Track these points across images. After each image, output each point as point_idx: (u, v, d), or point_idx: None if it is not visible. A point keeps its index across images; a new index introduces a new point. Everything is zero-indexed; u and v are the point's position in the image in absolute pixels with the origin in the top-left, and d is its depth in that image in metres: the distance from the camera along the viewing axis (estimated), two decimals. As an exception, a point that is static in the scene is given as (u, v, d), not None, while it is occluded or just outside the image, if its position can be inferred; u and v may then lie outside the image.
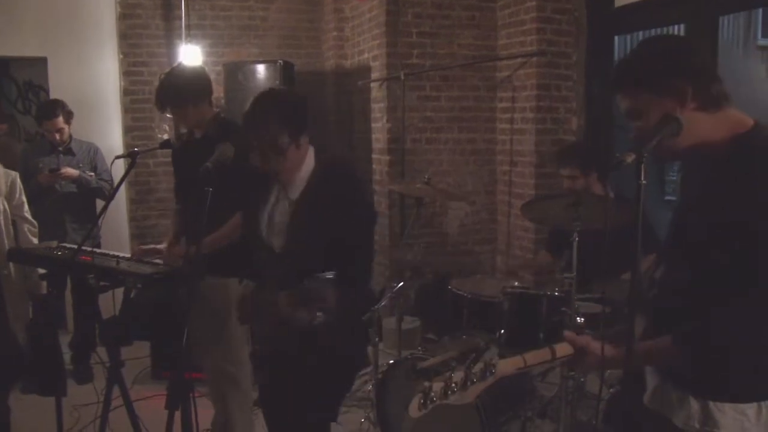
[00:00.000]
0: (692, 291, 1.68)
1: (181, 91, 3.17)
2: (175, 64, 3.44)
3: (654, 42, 1.78)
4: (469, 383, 1.55)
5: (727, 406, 1.66)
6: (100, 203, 4.82)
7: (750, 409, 1.65)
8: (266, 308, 2.50)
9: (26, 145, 6.06)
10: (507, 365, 1.64)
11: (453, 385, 1.52)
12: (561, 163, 3.80)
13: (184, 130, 3.60)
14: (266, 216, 2.60)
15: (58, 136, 4.65)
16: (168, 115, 3.41)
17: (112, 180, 4.77)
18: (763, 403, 1.65)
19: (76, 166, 4.66)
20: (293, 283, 2.40)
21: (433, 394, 1.50)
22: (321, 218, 2.39)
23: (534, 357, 1.72)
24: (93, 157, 4.82)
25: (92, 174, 4.73)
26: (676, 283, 1.77)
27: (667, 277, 1.83)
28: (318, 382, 2.46)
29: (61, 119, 4.63)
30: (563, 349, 1.76)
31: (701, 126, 1.67)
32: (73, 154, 4.75)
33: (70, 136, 4.76)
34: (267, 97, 2.54)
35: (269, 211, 2.60)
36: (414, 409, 1.49)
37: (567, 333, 1.80)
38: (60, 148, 4.70)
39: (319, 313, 2.32)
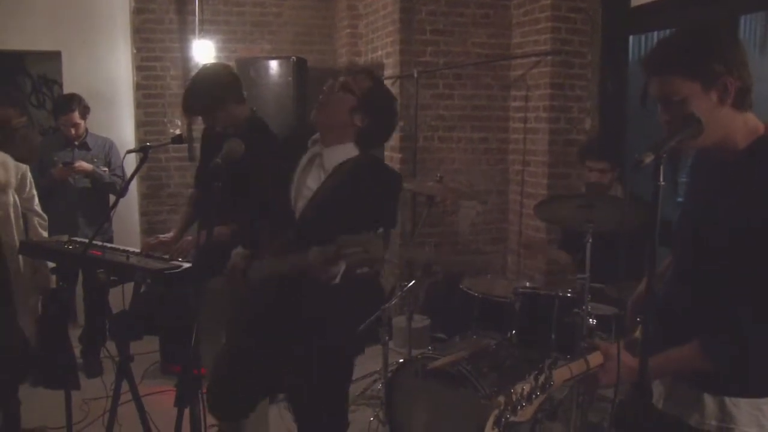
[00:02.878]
0: (714, 294, 1.67)
1: (207, 99, 3.16)
2: (202, 66, 3.38)
3: (708, 33, 1.69)
4: (533, 396, 1.53)
5: (743, 402, 1.67)
6: (113, 199, 4.82)
7: (765, 404, 1.67)
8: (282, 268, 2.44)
9: (42, 138, 6.07)
10: (558, 376, 1.62)
11: (521, 399, 1.50)
12: (591, 155, 3.76)
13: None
14: (297, 175, 2.58)
15: (73, 131, 4.66)
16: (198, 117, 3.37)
17: (125, 175, 4.77)
18: None
19: (90, 161, 4.67)
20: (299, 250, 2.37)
21: (507, 410, 1.47)
22: (345, 198, 2.39)
23: (576, 367, 1.69)
24: (108, 152, 4.83)
25: (106, 169, 4.73)
26: (687, 286, 1.76)
27: (678, 280, 1.81)
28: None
29: (76, 114, 4.64)
30: (595, 359, 1.74)
31: (729, 124, 1.65)
32: (88, 149, 4.76)
33: (86, 131, 4.77)
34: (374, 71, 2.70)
35: (299, 175, 2.57)
36: (489, 428, 1.47)
37: (595, 341, 1.79)
38: (75, 143, 4.72)
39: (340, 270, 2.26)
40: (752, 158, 1.65)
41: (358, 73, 2.50)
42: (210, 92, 3.18)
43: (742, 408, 1.67)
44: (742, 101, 1.64)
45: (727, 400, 1.68)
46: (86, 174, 4.62)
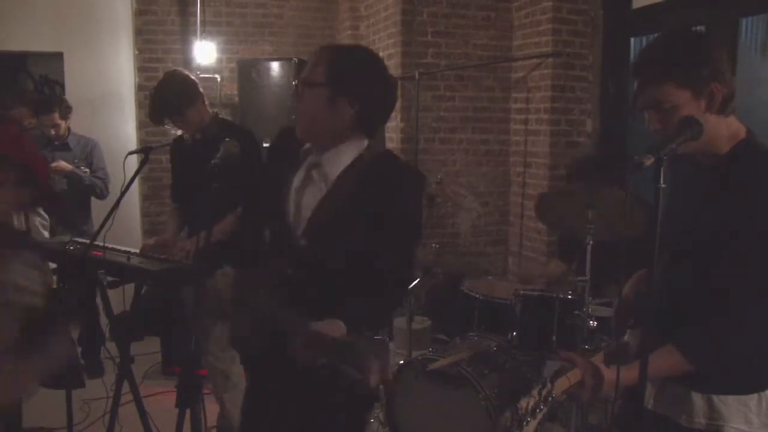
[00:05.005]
0: (699, 295, 1.70)
1: (175, 99, 3.23)
2: (164, 75, 3.47)
3: (696, 39, 1.71)
4: (537, 411, 1.54)
5: (731, 399, 1.71)
6: (95, 201, 4.79)
7: (751, 400, 1.70)
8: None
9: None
10: (558, 387, 1.63)
11: (527, 414, 1.51)
12: (572, 179, 3.77)
13: (176, 135, 3.64)
14: (292, 196, 2.13)
15: (53, 131, 4.61)
16: (167, 126, 3.43)
17: (107, 177, 4.72)
18: (762, 394, 1.70)
19: (71, 162, 4.61)
20: (307, 280, 2.00)
21: (514, 426, 1.48)
22: (358, 212, 1.96)
23: (574, 376, 1.69)
24: (89, 153, 4.75)
25: (87, 170, 4.68)
26: (674, 289, 1.78)
27: (664, 283, 1.81)
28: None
29: (56, 115, 4.59)
30: (575, 375, 1.73)
31: (714, 130, 1.67)
32: (69, 150, 4.69)
33: (68, 131, 4.72)
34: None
35: (295, 194, 2.13)
36: None
37: (563, 353, 1.76)
38: (55, 143, 4.65)
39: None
40: (735, 162, 1.68)
41: (313, 58, 2.05)
42: (180, 91, 3.27)
43: (730, 405, 1.70)
44: (725, 107, 1.67)
45: (715, 398, 1.71)
46: (65, 174, 4.55)
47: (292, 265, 2.06)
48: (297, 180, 2.12)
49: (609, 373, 1.64)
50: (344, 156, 2.05)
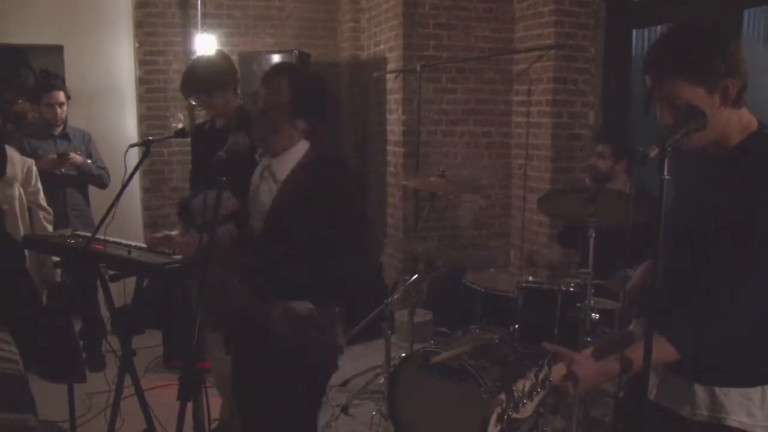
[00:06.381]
0: (704, 284, 1.68)
1: (207, 79, 3.21)
2: (201, 54, 3.43)
3: (709, 33, 1.67)
4: (534, 393, 1.53)
5: (733, 391, 1.70)
6: (93, 189, 4.78)
7: (755, 393, 1.69)
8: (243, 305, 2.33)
9: (22, 129, 6.02)
10: (556, 372, 1.62)
11: (522, 396, 1.50)
12: (599, 138, 3.92)
13: (199, 121, 3.61)
14: (250, 195, 2.50)
15: (58, 111, 4.51)
16: (193, 102, 3.40)
17: (106, 168, 4.73)
18: (766, 387, 1.69)
19: (73, 152, 4.58)
20: (264, 273, 2.32)
21: (509, 407, 1.48)
22: (304, 205, 2.29)
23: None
24: (87, 144, 4.73)
25: (89, 161, 4.67)
26: (680, 279, 1.77)
27: (671, 273, 1.81)
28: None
29: (62, 93, 4.53)
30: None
31: (727, 123, 1.67)
32: (69, 140, 4.65)
33: (65, 122, 4.66)
34: (289, 67, 2.61)
35: (253, 191, 2.49)
36: (492, 426, 1.47)
37: (546, 345, 1.71)
38: (56, 133, 4.58)
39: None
40: (744, 154, 1.67)
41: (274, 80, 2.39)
42: (214, 73, 3.24)
43: (732, 397, 1.70)
44: (739, 100, 1.66)
45: (717, 390, 1.71)
46: (76, 167, 4.54)
47: (253, 252, 2.42)
48: (256, 178, 2.47)
49: (583, 369, 1.64)
50: (290, 160, 2.39)
